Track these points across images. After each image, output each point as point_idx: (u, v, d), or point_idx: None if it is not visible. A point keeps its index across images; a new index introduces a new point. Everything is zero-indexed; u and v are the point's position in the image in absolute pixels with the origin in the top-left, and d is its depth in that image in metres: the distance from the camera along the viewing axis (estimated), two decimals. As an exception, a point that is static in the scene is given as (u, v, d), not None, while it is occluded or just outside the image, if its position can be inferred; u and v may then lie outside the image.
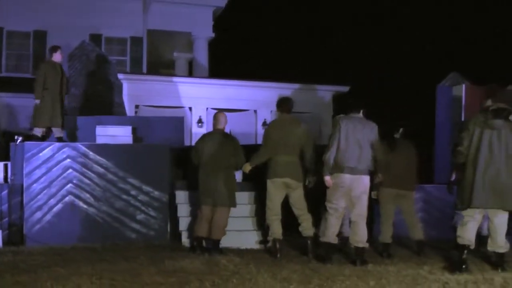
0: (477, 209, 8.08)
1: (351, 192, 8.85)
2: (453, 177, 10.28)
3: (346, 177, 8.84)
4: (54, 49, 12.90)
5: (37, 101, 12.49)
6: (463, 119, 13.00)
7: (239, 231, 10.72)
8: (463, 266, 7.88)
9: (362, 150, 8.78)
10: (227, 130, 10.32)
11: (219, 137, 9.98)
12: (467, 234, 8.11)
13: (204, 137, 10.25)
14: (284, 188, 9.63)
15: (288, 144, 9.52)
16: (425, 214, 12.44)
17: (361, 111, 9.14)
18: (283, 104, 9.82)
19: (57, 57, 12.76)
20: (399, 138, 10.15)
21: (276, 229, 9.66)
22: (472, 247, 8.19)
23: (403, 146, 10.08)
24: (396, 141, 10.04)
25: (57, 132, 12.67)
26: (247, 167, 9.88)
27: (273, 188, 9.65)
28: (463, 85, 13.57)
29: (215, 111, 21.19)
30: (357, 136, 8.80)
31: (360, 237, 8.84)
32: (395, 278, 7.38)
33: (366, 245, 8.90)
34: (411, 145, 10.19)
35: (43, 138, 12.55)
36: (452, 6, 38.35)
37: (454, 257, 8.28)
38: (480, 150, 8.00)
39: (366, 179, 8.89)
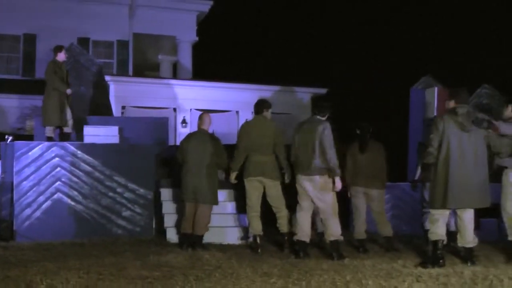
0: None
1: (308, 192, 8.91)
2: (417, 176, 10.36)
3: (300, 178, 8.92)
4: (59, 48, 12.86)
5: (68, 91, 12.48)
6: (434, 119, 13.05)
7: (222, 227, 10.75)
8: (440, 261, 7.89)
9: (313, 151, 8.79)
10: (210, 130, 10.31)
11: (203, 137, 9.96)
12: (439, 230, 8.13)
13: (189, 136, 10.24)
14: (260, 186, 9.63)
15: (261, 144, 9.50)
16: (398, 210, 12.54)
17: (321, 113, 9.17)
18: (256, 106, 9.83)
19: (61, 56, 12.72)
20: (369, 139, 10.17)
21: (256, 226, 9.67)
22: (445, 242, 8.22)
23: (373, 147, 10.11)
24: (366, 142, 10.05)
25: (67, 129, 12.64)
26: (232, 176, 9.81)
27: (249, 187, 9.66)
28: (436, 88, 13.64)
29: (199, 112, 21.34)
30: (307, 139, 8.85)
31: (331, 231, 8.84)
32: (371, 272, 7.40)
33: (340, 238, 8.87)
34: (381, 146, 10.21)
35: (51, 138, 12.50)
36: (427, 12, 38.57)
37: (429, 253, 8.31)
38: (451, 151, 7.99)
39: (318, 179, 8.87)
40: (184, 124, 21.72)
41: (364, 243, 9.94)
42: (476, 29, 36.24)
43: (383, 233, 10.13)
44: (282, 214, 9.62)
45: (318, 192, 8.83)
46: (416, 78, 16.06)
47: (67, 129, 12.64)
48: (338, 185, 8.78)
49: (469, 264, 8.03)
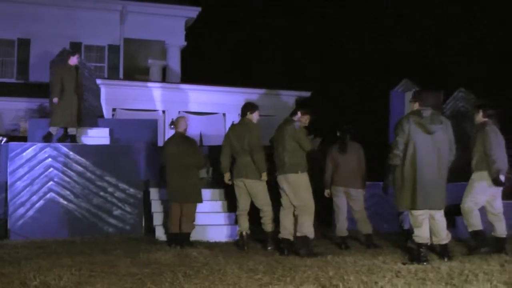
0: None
1: (285, 190, 8.95)
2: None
3: (278, 177, 9.01)
4: (72, 53, 12.97)
5: (55, 100, 12.23)
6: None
7: (209, 225, 10.74)
8: (424, 263, 7.86)
9: (283, 151, 8.85)
10: (198, 132, 10.33)
11: (179, 140, 10.01)
12: (424, 233, 8.08)
13: (168, 140, 10.32)
14: (244, 187, 9.62)
15: (242, 145, 9.51)
16: (379, 208, 12.57)
17: (297, 114, 9.32)
18: (241, 108, 9.86)
19: (73, 60, 12.69)
20: (349, 141, 10.19)
21: (243, 224, 9.68)
22: (429, 243, 8.21)
23: (353, 148, 10.13)
24: (346, 143, 10.07)
25: (71, 130, 12.50)
26: (225, 177, 9.82)
27: (236, 187, 9.70)
28: (414, 91, 13.67)
29: (187, 114, 21.32)
30: (279, 138, 8.94)
31: (299, 227, 8.87)
32: (353, 268, 7.41)
33: (309, 235, 8.84)
34: (360, 147, 10.24)
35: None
36: (406, 17, 38.73)
37: (413, 253, 8.32)
38: (418, 152, 7.93)
39: (290, 177, 8.89)
40: (172, 126, 21.60)
41: (346, 240, 9.95)
42: (455, 33, 36.41)
43: (363, 231, 10.15)
44: (265, 213, 9.59)
45: (292, 191, 8.87)
46: (396, 81, 16.11)
47: (71, 131, 12.54)
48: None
49: (445, 259, 8.05)
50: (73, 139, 12.32)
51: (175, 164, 9.86)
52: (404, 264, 7.79)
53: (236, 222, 10.79)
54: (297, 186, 8.87)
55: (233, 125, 9.97)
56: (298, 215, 8.91)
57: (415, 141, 7.96)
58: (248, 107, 9.73)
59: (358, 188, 10.12)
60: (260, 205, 9.60)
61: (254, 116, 9.68)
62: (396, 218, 10.89)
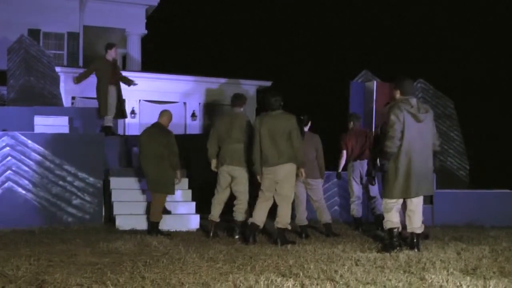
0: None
1: (275, 180, 8.97)
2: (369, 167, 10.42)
3: (272, 168, 8.93)
4: (109, 46, 13.59)
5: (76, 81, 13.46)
6: (374, 112, 13.23)
7: (171, 214, 10.74)
8: (397, 248, 7.92)
9: (278, 143, 8.87)
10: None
11: (155, 130, 10.09)
12: (395, 218, 8.14)
13: (144, 130, 10.38)
14: (228, 174, 9.69)
15: (231, 134, 9.60)
16: (340, 198, 12.68)
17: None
18: (232, 99, 10.02)
19: (111, 54, 13.46)
20: (307, 131, 10.24)
21: (213, 212, 9.79)
22: (400, 229, 8.28)
23: (310, 139, 10.17)
24: (303, 134, 10.10)
25: (108, 121, 13.28)
26: (213, 164, 9.86)
27: (220, 175, 9.76)
28: (374, 82, 13.81)
29: (148, 103, 21.19)
30: (272, 133, 8.90)
31: (279, 218, 8.93)
32: (312, 257, 7.47)
33: (287, 226, 8.96)
34: (318, 137, 10.28)
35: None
36: (366, 6, 38.99)
37: (385, 240, 8.41)
38: (412, 141, 7.97)
39: (288, 167, 8.90)
40: (133, 115, 21.49)
41: (305, 229, 10.02)
42: (414, 24, 36.79)
43: (323, 220, 10.22)
44: (240, 202, 9.70)
45: (285, 180, 8.95)
46: (356, 72, 16.22)
47: (107, 122, 13.14)
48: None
49: (416, 250, 8.03)
50: (108, 130, 13.00)
51: (149, 154, 9.98)
52: (381, 251, 7.87)
53: (197, 211, 10.85)
54: (292, 176, 8.94)
55: (222, 115, 10.22)
56: (280, 205, 8.97)
57: (408, 129, 7.99)
58: (236, 98, 9.96)
59: (317, 178, 10.19)
60: (239, 192, 9.67)
61: (242, 109, 9.90)
62: (366, 206, 11.03)
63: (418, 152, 8.02)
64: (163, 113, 10.34)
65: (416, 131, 8.02)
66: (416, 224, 8.21)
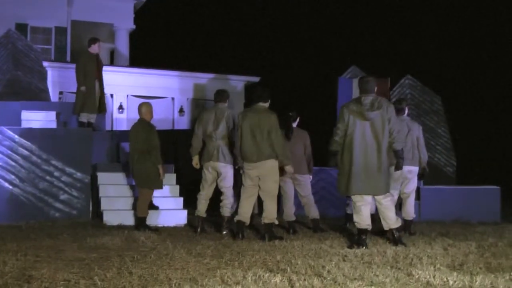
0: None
1: (258, 176, 8.97)
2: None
3: (255, 163, 8.92)
4: (92, 41, 13.28)
5: (83, 89, 12.90)
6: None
7: (169, 210, 10.73)
8: (364, 248, 7.94)
9: (258, 140, 8.87)
10: None
11: (136, 127, 10.09)
12: (363, 219, 8.17)
13: (131, 126, 10.37)
14: (213, 170, 9.70)
15: (216, 130, 9.61)
16: (326, 193, 12.70)
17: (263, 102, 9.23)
18: (215, 95, 9.99)
19: (94, 49, 13.16)
20: (295, 127, 10.24)
21: (200, 208, 9.79)
22: (370, 229, 8.29)
23: (299, 134, 10.18)
24: (291, 130, 10.10)
25: (91, 117, 13.14)
26: (194, 161, 9.88)
27: (204, 171, 9.78)
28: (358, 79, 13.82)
29: (136, 98, 21.13)
30: (253, 129, 8.88)
31: (265, 213, 8.95)
32: (300, 252, 7.49)
33: (274, 221, 8.97)
34: (306, 133, 10.30)
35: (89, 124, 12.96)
36: (355, 3, 39.04)
37: (354, 239, 8.44)
38: (355, 139, 8.07)
39: (271, 163, 8.89)
40: (120, 110, 21.45)
41: (293, 225, 10.03)
42: (404, 20, 36.87)
43: (310, 216, 10.24)
44: (225, 197, 9.72)
45: (268, 176, 8.95)
46: (344, 68, 16.25)
47: (91, 117, 13.13)
48: None
49: (398, 246, 8.08)
50: (90, 125, 12.80)
51: (132, 149, 10.01)
52: (349, 248, 7.91)
53: (185, 206, 10.84)
54: (274, 172, 8.94)
55: (206, 110, 10.14)
56: (265, 201, 8.98)
57: (353, 128, 8.11)
58: (219, 94, 9.93)
59: (305, 173, 10.19)
60: (224, 188, 9.69)
61: (226, 104, 9.89)
62: (344, 203, 11.06)
63: (360, 150, 8.08)
64: (141, 107, 10.24)
65: (360, 130, 8.09)
66: (390, 220, 8.28)
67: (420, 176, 10.00)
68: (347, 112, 8.18)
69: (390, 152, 8.29)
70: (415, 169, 9.77)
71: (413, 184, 9.82)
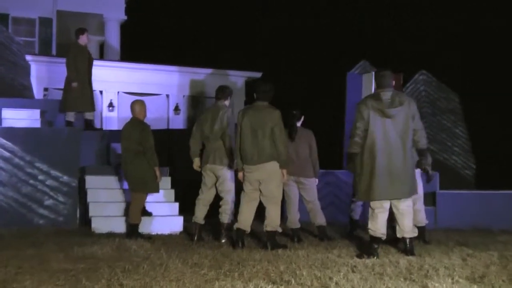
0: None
1: (259, 180, 8.96)
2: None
3: (255, 166, 8.89)
4: (81, 31, 13.28)
5: (74, 84, 12.84)
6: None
7: (163, 216, 10.74)
8: (375, 258, 7.88)
9: (260, 139, 8.84)
10: None
11: (128, 126, 10.09)
12: (379, 227, 8.10)
13: (123, 126, 10.39)
14: (212, 173, 9.73)
15: (214, 131, 9.64)
16: (333, 198, 12.69)
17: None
18: (216, 92, 10.02)
19: (83, 39, 13.12)
20: (299, 126, 10.21)
21: (199, 214, 9.80)
22: (384, 238, 8.24)
23: (303, 134, 10.15)
24: (295, 129, 10.07)
25: (88, 115, 13.18)
26: (195, 164, 9.88)
27: (204, 175, 9.81)
28: (373, 73, 13.79)
29: (127, 95, 21.11)
30: (254, 127, 8.85)
31: (268, 220, 8.92)
32: (305, 262, 7.47)
33: (277, 229, 8.95)
34: (311, 133, 10.26)
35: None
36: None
37: (365, 246, 8.42)
38: (376, 139, 7.96)
39: (271, 165, 8.87)
40: (111, 108, 21.44)
41: (298, 232, 10.02)
42: (414, 14, 36.84)
43: (316, 223, 10.22)
44: (224, 203, 9.72)
45: (269, 180, 8.93)
46: (353, 63, 16.24)
47: (88, 115, 13.06)
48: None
49: (409, 255, 8.04)
50: (89, 124, 12.91)
51: (124, 151, 10.02)
52: (358, 257, 7.89)
53: (180, 212, 10.84)
54: (275, 175, 8.90)
55: (205, 109, 10.21)
56: (268, 207, 8.95)
57: (373, 127, 7.98)
58: (220, 90, 9.96)
59: (310, 177, 10.17)
60: (223, 192, 9.70)
61: (222, 102, 9.86)
62: (348, 207, 11.04)
63: (383, 151, 7.98)
64: (134, 105, 10.20)
65: (382, 128, 7.99)
66: (406, 228, 8.23)
67: (427, 179, 9.94)
68: (366, 108, 8.04)
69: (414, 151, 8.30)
70: (417, 171, 9.72)
71: (419, 187, 9.80)
